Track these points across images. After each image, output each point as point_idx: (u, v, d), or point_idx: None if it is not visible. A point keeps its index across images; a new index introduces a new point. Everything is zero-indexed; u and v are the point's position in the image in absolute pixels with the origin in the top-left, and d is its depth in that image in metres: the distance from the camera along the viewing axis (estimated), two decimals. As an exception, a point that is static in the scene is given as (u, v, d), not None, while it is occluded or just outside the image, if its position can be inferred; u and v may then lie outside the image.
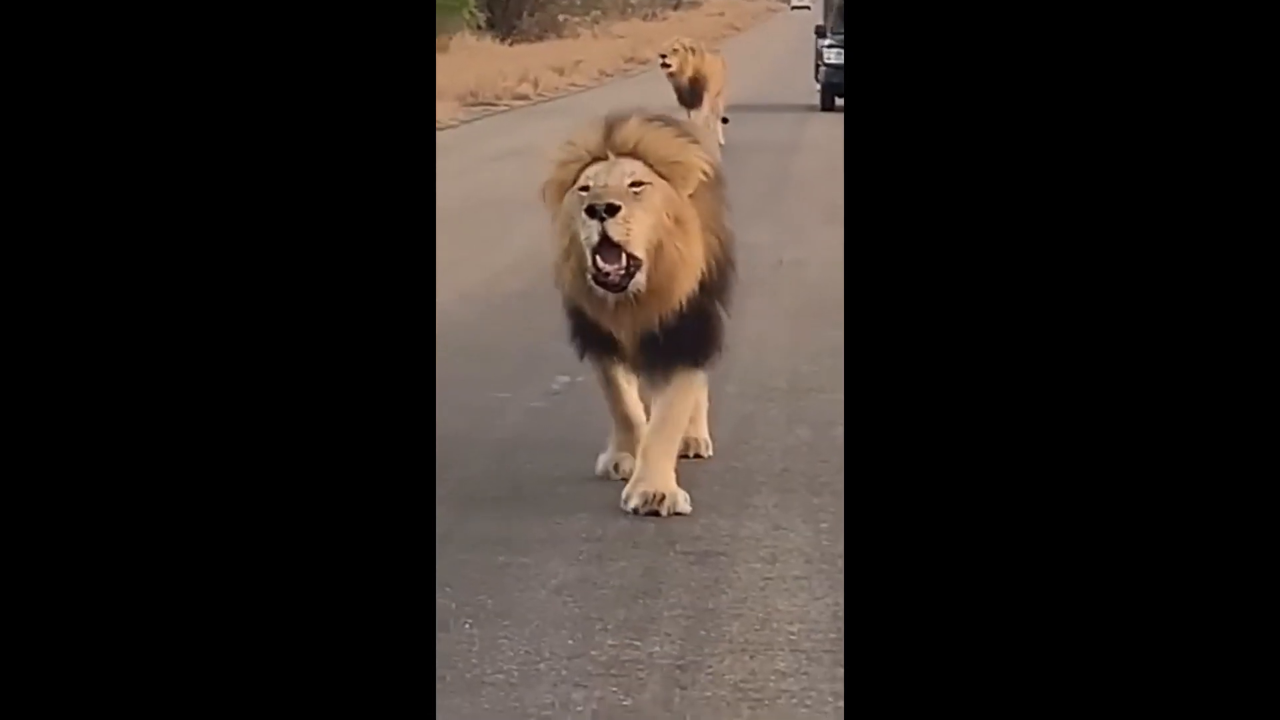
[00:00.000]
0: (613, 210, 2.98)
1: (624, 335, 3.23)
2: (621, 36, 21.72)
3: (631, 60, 19.17)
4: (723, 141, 11.73)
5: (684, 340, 3.23)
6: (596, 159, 3.15)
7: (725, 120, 12.43)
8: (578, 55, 21.47)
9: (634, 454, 3.37)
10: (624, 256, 3.03)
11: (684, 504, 3.29)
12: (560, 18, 24.03)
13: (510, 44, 22.21)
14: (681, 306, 3.18)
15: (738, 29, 36.98)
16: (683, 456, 3.50)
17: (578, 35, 25.10)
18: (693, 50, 12.22)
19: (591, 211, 3.00)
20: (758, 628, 2.76)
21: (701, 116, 11.60)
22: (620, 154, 3.13)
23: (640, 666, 2.62)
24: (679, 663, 2.64)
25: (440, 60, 18.39)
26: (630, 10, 26.21)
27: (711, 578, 3.07)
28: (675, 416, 3.31)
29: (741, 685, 2.54)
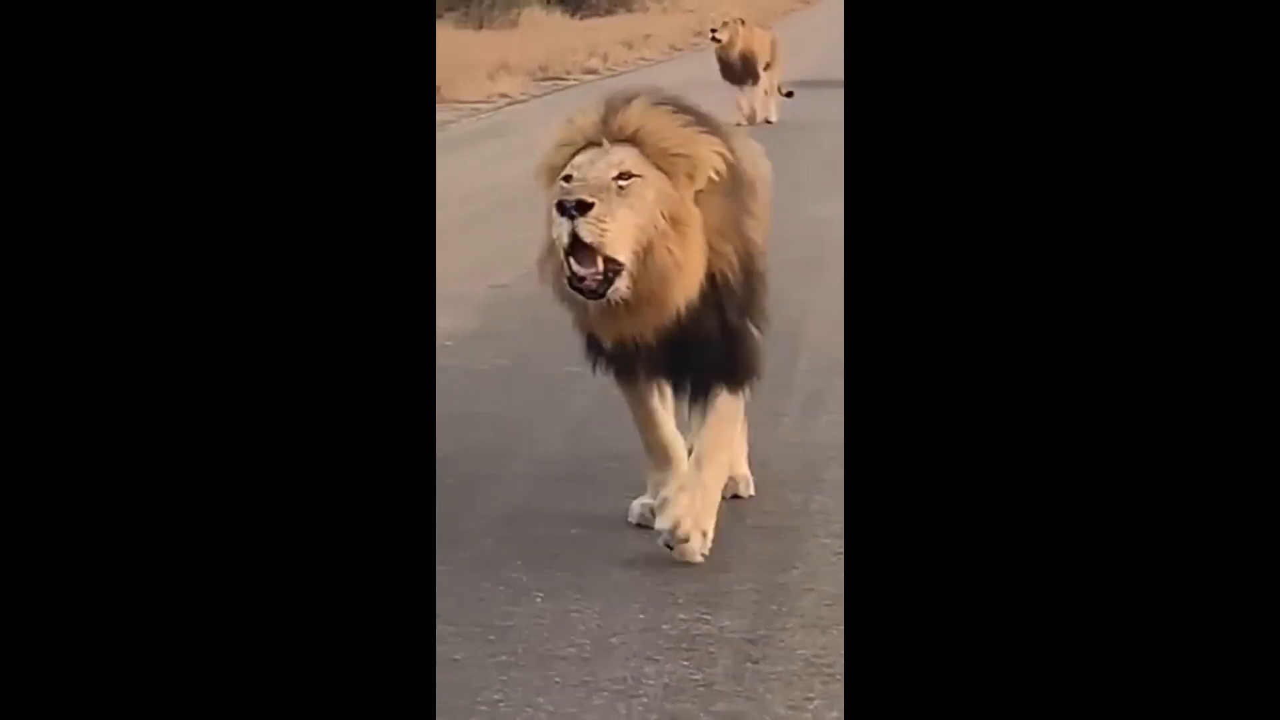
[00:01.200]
0: (584, 207, 2.61)
1: (616, 345, 2.90)
2: (691, 10, 21.63)
3: (700, 35, 18.93)
4: (774, 119, 11.60)
5: (713, 362, 2.90)
6: (591, 144, 2.79)
7: (789, 94, 12.24)
8: (647, 30, 21.52)
9: (700, 524, 2.94)
10: (600, 259, 2.66)
11: (699, 551, 2.93)
12: None
13: (580, 18, 22.36)
14: (701, 322, 2.83)
15: (807, 2, 36.60)
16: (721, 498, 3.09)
17: (647, 9, 25.25)
18: (742, 23, 11.74)
19: (561, 208, 2.64)
20: (829, 603, 2.77)
21: (758, 94, 11.50)
22: (617, 140, 2.76)
23: (711, 641, 2.63)
24: (750, 637, 2.65)
25: (510, 35, 19.05)
26: None
27: (782, 551, 3.07)
28: (714, 450, 2.94)
29: (813, 660, 2.54)
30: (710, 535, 2.91)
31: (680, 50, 21.10)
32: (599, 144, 2.76)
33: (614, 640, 2.64)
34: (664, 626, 2.69)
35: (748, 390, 3.00)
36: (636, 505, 3.14)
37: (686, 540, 2.87)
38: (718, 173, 2.78)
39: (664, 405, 3.09)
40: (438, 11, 17.41)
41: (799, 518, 3.27)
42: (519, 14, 20.17)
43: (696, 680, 2.48)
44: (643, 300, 2.71)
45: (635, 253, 2.67)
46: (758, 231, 2.97)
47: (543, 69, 16.59)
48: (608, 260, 2.65)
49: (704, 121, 2.88)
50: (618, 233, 2.64)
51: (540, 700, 2.41)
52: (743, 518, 3.25)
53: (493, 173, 9.07)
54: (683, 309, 2.77)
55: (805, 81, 13.46)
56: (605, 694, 2.43)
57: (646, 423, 3.06)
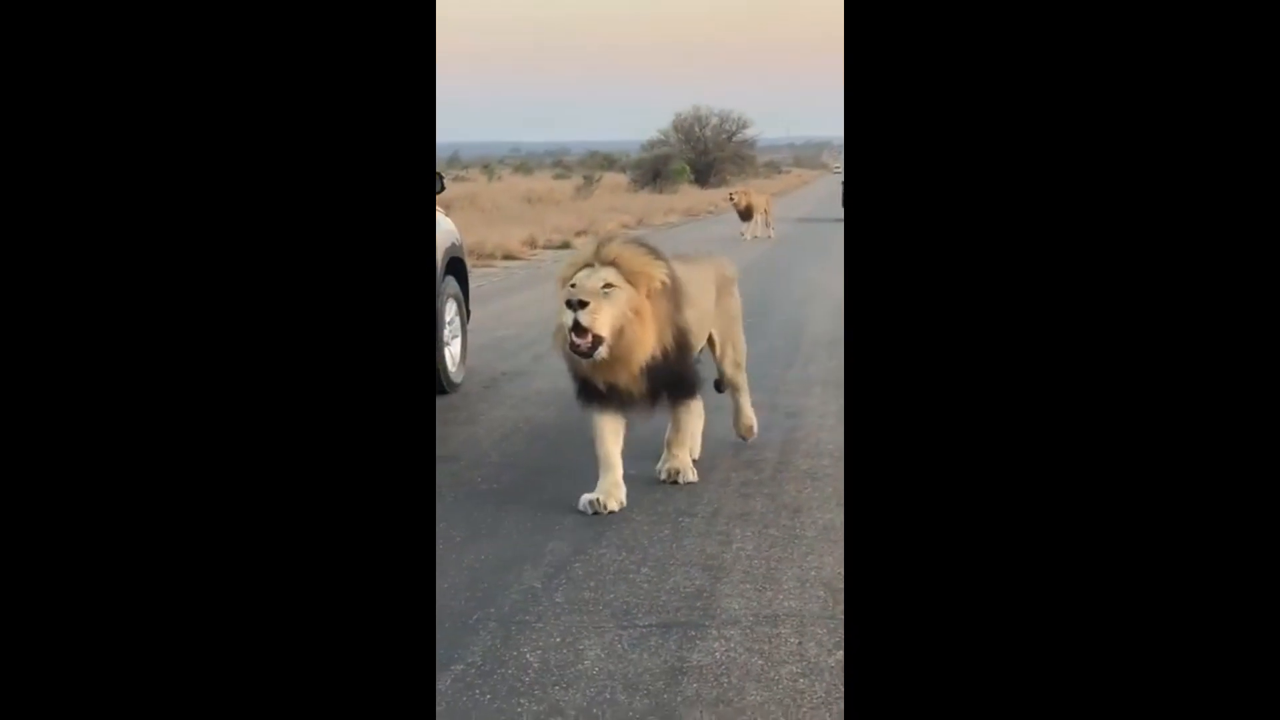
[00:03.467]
0: (582, 305, 4.12)
1: (608, 386, 4.36)
2: (747, 187, 30.85)
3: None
4: (773, 235, 20.43)
5: (672, 386, 4.52)
6: (587, 264, 4.30)
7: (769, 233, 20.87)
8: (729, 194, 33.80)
9: (615, 498, 4.34)
10: (589, 335, 4.14)
11: (693, 475, 4.70)
12: (727, 178, 44.22)
13: (704, 188, 39.97)
14: (655, 367, 4.33)
15: (806, 182, 47.64)
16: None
17: (728, 183, 41.32)
18: (745, 191, 21.94)
19: (569, 304, 4.16)
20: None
21: (754, 225, 20.57)
22: (604, 263, 4.27)
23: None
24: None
25: (671, 199, 33.43)
26: (758, 174, 40.52)
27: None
28: (685, 426, 4.71)
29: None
30: (692, 470, 4.73)
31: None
32: (592, 265, 4.30)
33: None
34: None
35: (694, 401, 4.70)
36: (584, 498, 4.36)
37: (679, 471, 4.71)
38: (663, 283, 4.35)
39: (615, 431, 4.48)
40: (638, 185, 39.81)
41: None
42: (677, 187, 39.53)
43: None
44: (616, 360, 4.25)
45: (612, 331, 4.20)
46: (685, 320, 4.54)
47: (688, 211, 29.93)
48: (595, 336, 4.15)
49: (657, 253, 4.46)
50: (602, 320, 4.16)
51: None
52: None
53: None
54: (643, 365, 4.30)
55: (804, 218, 21.66)
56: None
57: (599, 440, 4.45)
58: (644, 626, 3.22)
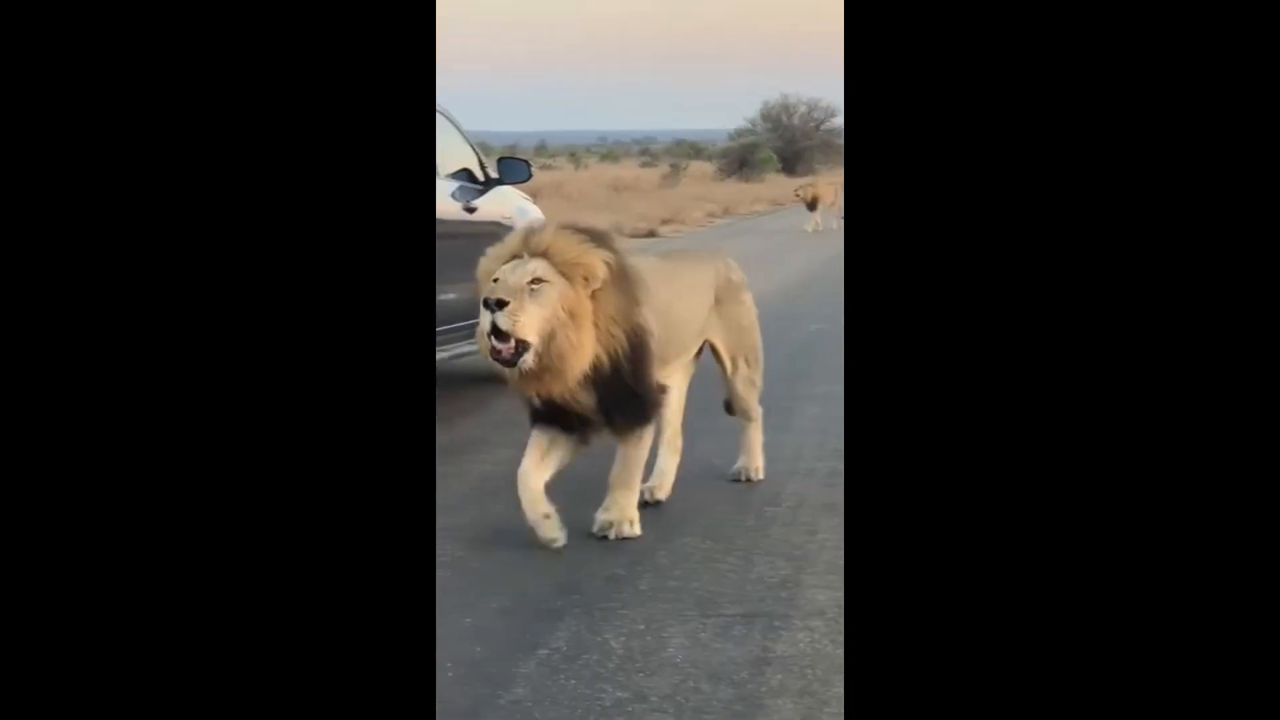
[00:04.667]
0: (501, 304, 3.44)
1: (544, 402, 3.70)
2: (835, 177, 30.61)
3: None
4: (836, 227, 18.71)
5: (622, 407, 3.75)
6: (515, 256, 3.58)
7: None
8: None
9: (543, 520, 3.71)
10: (512, 340, 3.45)
11: (634, 529, 3.85)
12: (815, 167, 44.47)
13: (791, 176, 40.04)
14: (603, 377, 3.64)
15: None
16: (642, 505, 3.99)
17: (817, 172, 41.00)
18: (813, 184, 22.46)
19: (485, 303, 3.48)
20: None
21: (816, 217, 20.41)
22: (534, 254, 3.56)
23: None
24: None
25: (758, 188, 31.71)
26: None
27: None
28: (631, 461, 3.86)
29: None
30: (636, 522, 3.87)
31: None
32: (521, 256, 3.58)
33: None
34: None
35: (645, 427, 3.87)
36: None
37: (613, 525, 3.83)
38: (608, 274, 3.60)
39: (541, 465, 3.78)
40: (725, 174, 40.54)
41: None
42: (764, 176, 39.66)
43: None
44: (546, 370, 3.54)
45: (540, 336, 3.49)
46: (645, 317, 3.77)
47: (774, 200, 29.95)
48: (519, 341, 3.46)
49: (604, 238, 3.75)
50: (526, 322, 3.46)
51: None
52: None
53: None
54: (584, 375, 3.60)
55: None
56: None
57: (522, 474, 3.76)
58: (728, 616, 3.21)
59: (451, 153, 6.28)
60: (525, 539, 3.75)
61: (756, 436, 4.51)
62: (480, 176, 6.42)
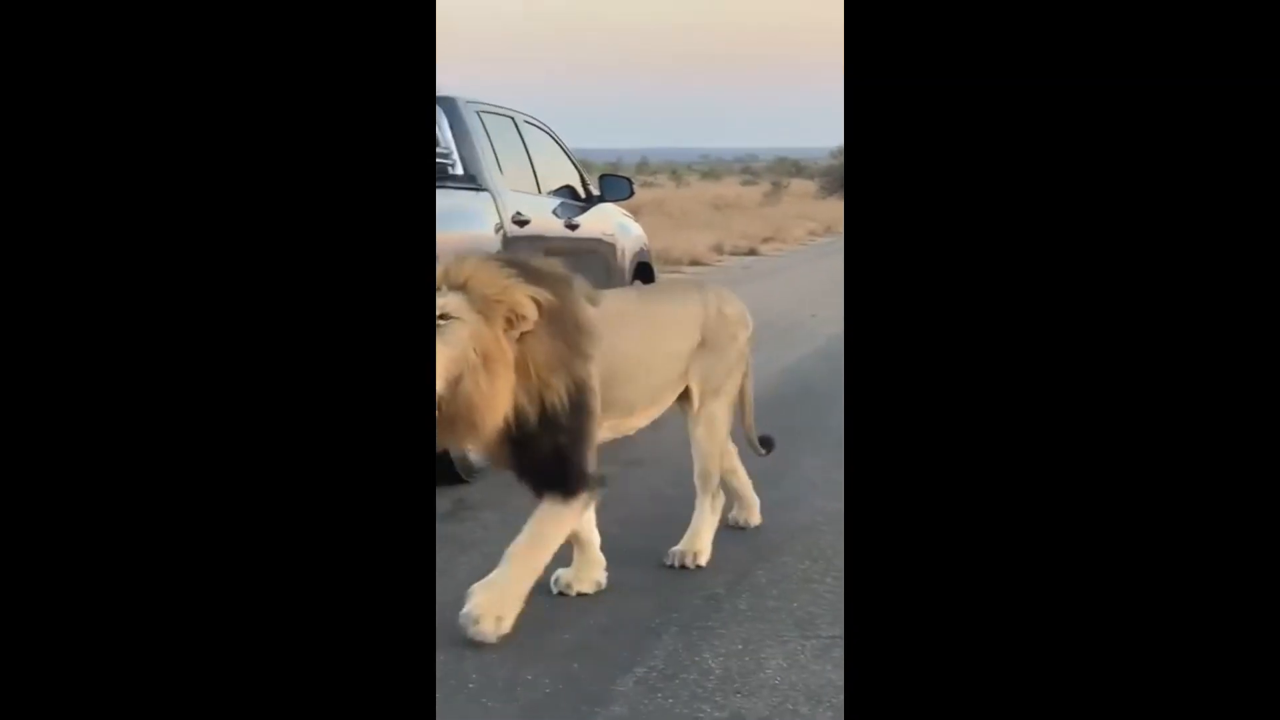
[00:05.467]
0: None
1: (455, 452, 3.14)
2: None
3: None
4: None
5: (544, 475, 3.17)
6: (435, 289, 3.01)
7: None
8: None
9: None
10: None
11: (490, 630, 3.10)
12: None
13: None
14: (538, 441, 3.11)
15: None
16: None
17: None
18: None
19: None
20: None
21: None
22: (452, 287, 3.02)
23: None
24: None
25: (798, 204, 33.23)
26: None
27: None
28: (533, 540, 3.18)
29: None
30: (509, 622, 3.13)
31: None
32: (440, 289, 3.01)
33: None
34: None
35: (575, 502, 3.22)
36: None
37: (479, 624, 3.09)
38: (539, 313, 3.04)
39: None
40: (826, 192, 38.18)
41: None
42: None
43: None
44: (452, 420, 2.96)
45: (445, 380, 2.91)
46: (588, 368, 3.21)
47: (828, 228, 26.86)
48: None
49: (541, 277, 3.14)
50: None
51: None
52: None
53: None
54: (500, 428, 3.04)
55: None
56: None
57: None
58: (827, 637, 3.18)
59: (554, 169, 6.31)
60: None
61: (746, 485, 4.18)
62: (582, 193, 6.44)
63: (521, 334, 3.06)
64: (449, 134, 5.27)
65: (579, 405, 3.18)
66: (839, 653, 3.05)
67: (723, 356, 3.78)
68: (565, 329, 3.16)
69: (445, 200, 4.46)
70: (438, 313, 2.95)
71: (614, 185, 6.61)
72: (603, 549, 3.63)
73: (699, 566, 3.76)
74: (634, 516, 4.28)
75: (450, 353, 2.94)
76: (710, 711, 2.75)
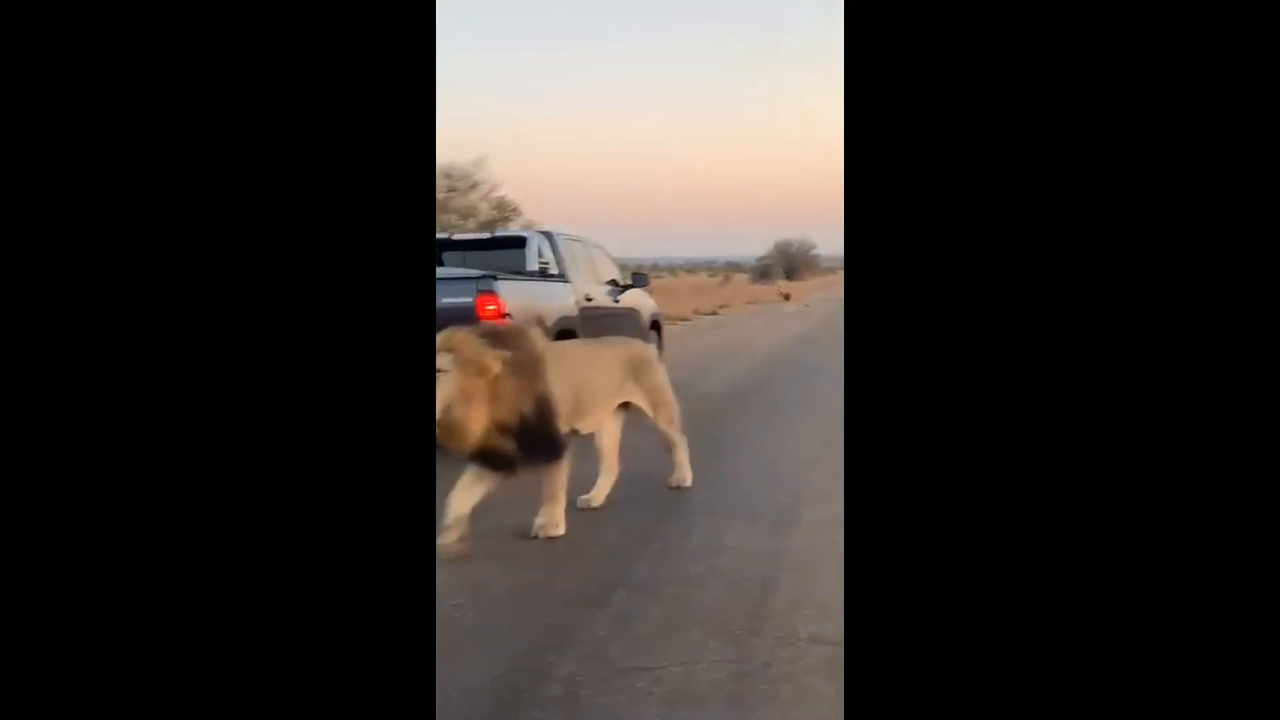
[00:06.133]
0: None
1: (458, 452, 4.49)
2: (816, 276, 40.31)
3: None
4: (809, 305, 30.75)
5: (533, 448, 4.63)
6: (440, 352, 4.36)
7: (807, 306, 29.27)
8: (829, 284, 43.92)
9: (447, 530, 4.54)
10: None
11: (559, 530, 4.82)
12: (804, 275, 62.42)
13: (791, 280, 52.94)
14: (527, 436, 4.56)
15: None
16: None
17: (803, 279, 57.12)
18: (784, 288, 38.76)
19: None
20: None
21: (787, 305, 28.04)
22: (443, 350, 4.38)
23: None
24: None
25: (771, 288, 47.65)
26: (818, 273, 78.79)
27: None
28: (554, 483, 4.83)
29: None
30: (561, 525, 4.87)
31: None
32: (439, 353, 4.37)
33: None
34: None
35: (561, 461, 4.84)
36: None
37: (548, 528, 4.84)
38: (504, 365, 4.46)
39: (469, 488, 4.74)
40: (754, 279, 66.02)
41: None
42: (775, 281, 47.85)
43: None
44: (448, 434, 4.39)
45: (441, 410, 4.30)
46: (555, 387, 4.73)
47: (777, 293, 38.61)
48: None
49: (506, 341, 4.61)
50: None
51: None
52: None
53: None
54: (483, 434, 4.47)
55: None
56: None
57: (462, 483, 4.72)
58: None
59: (606, 270, 10.23)
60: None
61: (682, 457, 5.82)
62: (620, 282, 10.44)
63: (494, 377, 4.48)
64: (549, 251, 8.85)
65: (544, 408, 4.68)
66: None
67: (651, 382, 5.63)
68: (525, 368, 4.62)
69: (548, 288, 8.08)
70: (438, 367, 4.33)
71: (639, 279, 11.00)
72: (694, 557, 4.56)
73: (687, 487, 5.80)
74: (687, 531, 5.00)
75: (444, 392, 4.34)
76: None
